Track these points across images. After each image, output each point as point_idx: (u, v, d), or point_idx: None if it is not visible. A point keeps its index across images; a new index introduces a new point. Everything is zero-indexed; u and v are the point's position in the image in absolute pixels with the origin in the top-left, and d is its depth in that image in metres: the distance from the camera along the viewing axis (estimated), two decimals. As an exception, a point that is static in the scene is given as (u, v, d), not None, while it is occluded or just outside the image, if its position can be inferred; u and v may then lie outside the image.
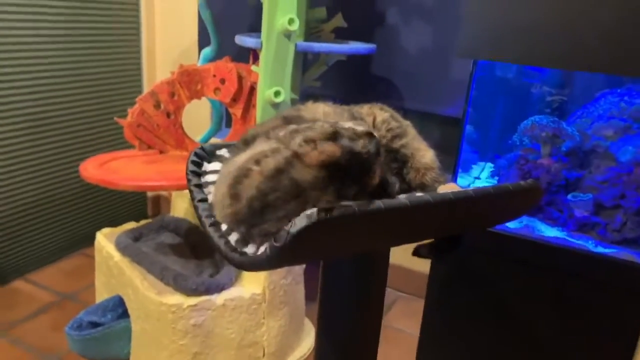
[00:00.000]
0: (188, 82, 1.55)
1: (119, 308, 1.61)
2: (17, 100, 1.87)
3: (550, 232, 1.26)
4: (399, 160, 0.80)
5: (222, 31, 1.88)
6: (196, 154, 0.77)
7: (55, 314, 1.85)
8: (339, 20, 1.76)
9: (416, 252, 0.93)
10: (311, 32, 1.83)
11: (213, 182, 0.77)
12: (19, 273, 2.03)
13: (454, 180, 1.32)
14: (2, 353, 1.65)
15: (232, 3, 2.09)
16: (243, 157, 0.67)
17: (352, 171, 0.61)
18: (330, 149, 0.61)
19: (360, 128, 0.65)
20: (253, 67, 1.55)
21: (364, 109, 0.85)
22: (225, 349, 1.55)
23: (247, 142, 0.71)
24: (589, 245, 1.21)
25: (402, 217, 0.62)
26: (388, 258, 0.80)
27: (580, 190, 1.28)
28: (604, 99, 1.32)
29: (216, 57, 1.84)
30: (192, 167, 0.76)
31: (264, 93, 1.45)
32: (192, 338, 1.50)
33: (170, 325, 1.46)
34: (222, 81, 1.56)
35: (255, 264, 0.61)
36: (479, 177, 1.60)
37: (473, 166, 1.64)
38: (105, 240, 1.65)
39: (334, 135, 0.62)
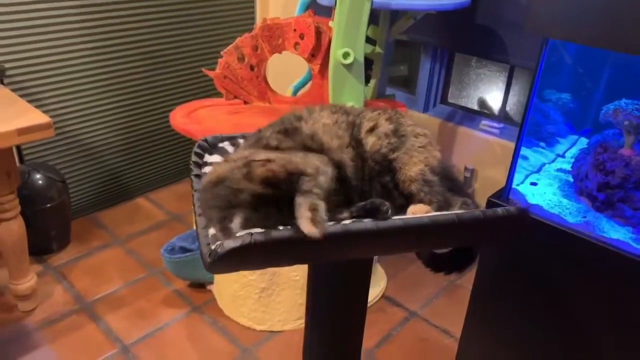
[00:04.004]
0: (269, 37, 1.59)
1: (206, 238, 1.81)
2: (134, 41, 2.08)
3: (614, 232, 1.13)
4: (392, 172, 0.81)
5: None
6: (199, 146, 0.84)
7: (165, 232, 2.14)
8: (435, -32, 1.63)
9: (418, 254, 0.93)
10: (405, -20, 1.73)
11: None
12: (141, 191, 2.36)
13: (515, 156, 1.21)
14: (117, 260, 1.98)
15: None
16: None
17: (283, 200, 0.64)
18: (275, 167, 0.65)
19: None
20: (330, 23, 1.53)
21: (370, 114, 0.84)
22: (289, 287, 1.70)
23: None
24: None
25: (340, 243, 0.64)
26: (370, 265, 0.82)
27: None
28: None
29: (312, 5, 1.83)
30: (194, 158, 0.83)
31: (336, 53, 1.44)
32: (260, 275, 1.66)
33: (241, 261, 1.62)
34: (302, 36, 1.58)
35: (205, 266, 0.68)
36: (564, 155, 1.45)
37: (561, 140, 1.50)
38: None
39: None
